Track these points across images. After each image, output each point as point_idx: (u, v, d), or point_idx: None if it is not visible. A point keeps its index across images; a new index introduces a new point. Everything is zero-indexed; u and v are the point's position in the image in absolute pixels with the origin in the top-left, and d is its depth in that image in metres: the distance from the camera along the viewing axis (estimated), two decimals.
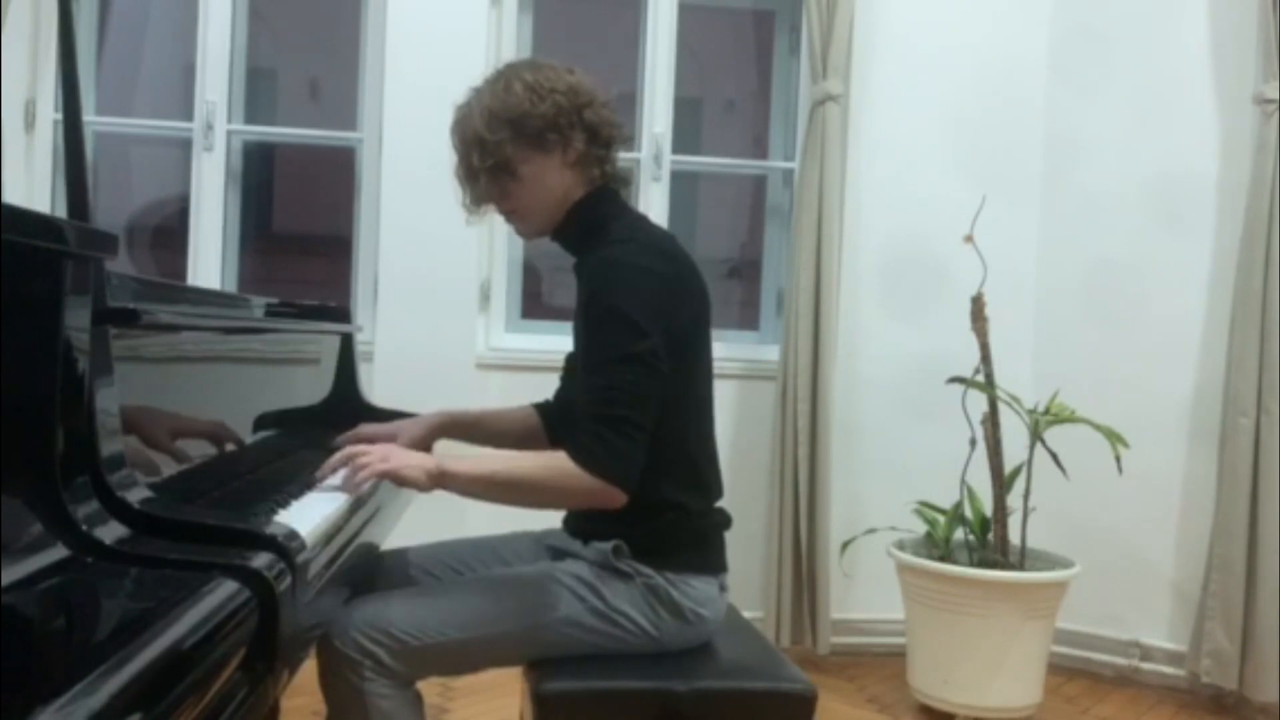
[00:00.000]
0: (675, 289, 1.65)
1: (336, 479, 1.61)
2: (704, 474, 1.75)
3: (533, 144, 1.67)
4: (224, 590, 1.02)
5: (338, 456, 1.63)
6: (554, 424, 1.97)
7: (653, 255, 1.65)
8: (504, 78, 1.70)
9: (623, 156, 1.79)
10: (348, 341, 2.39)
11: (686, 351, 1.66)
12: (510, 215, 1.77)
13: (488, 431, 2.00)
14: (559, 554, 1.79)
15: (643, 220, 1.79)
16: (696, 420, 1.74)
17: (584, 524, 1.75)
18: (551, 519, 1.85)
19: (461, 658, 1.67)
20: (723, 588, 1.76)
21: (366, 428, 1.98)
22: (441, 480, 1.58)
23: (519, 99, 1.65)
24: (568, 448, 1.56)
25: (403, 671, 1.61)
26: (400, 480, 1.59)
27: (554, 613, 1.65)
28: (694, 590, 1.69)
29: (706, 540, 1.74)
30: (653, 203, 3.44)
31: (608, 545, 1.67)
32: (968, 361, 3.00)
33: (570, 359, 1.92)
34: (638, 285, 1.60)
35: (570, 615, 1.65)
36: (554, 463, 1.56)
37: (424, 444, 1.92)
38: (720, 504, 1.79)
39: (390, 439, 1.87)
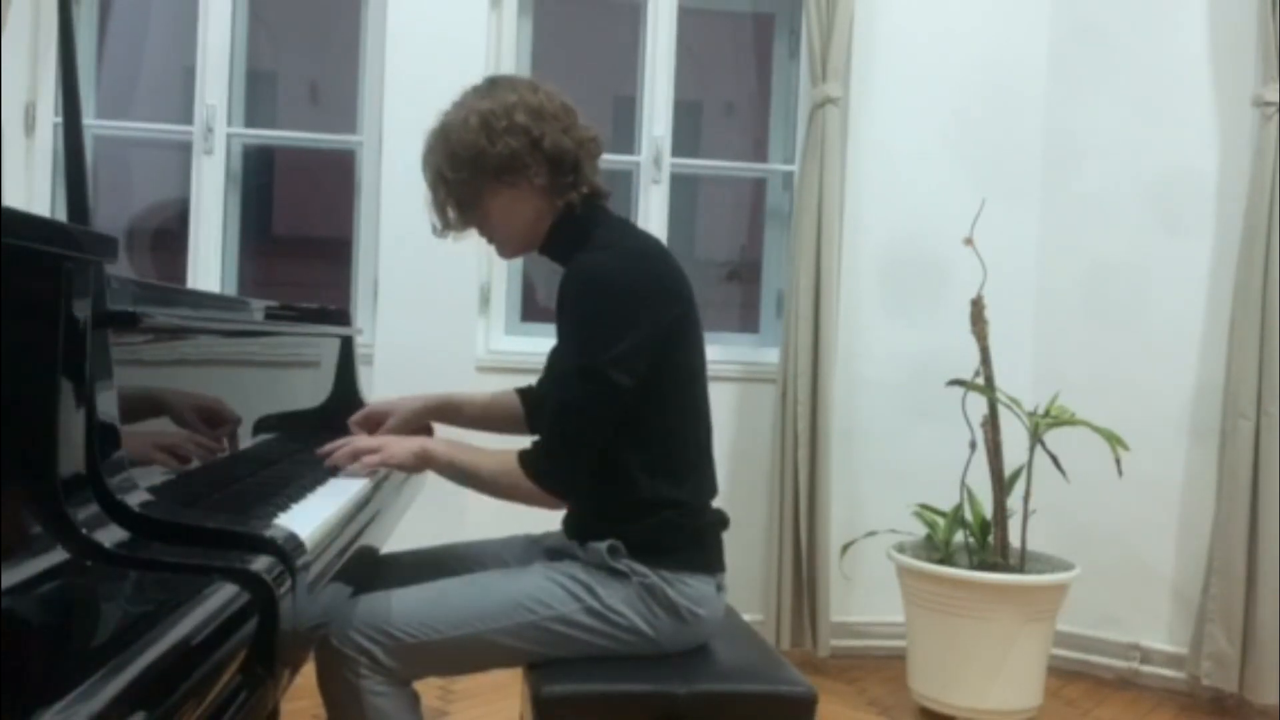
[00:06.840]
0: (653, 292, 1.67)
1: (349, 470, 1.75)
2: (699, 472, 1.76)
3: (494, 179, 1.72)
4: (224, 594, 1.02)
5: (340, 448, 1.75)
6: (532, 411, 2.08)
7: (630, 259, 1.68)
8: (463, 108, 1.73)
9: (623, 160, 1.81)
10: (347, 344, 2.39)
11: (673, 352, 1.68)
12: (488, 239, 1.83)
13: (475, 417, 2.11)
14: (556, 555, 1.80)
15: (626, 226, 1.82)
16: (692, 419, 1.75)
17: (581, 524, 1.76)
18: (551, 520, 1.85)
19: (457, 656, 1.67)
20: (720, 588, 1.76)
21: (371, 406, 2.10)
22: (424, 460, 1.73)
23: (474, 136, 1.69)
24: (520, 454, 1.65)
25: (399, 669, 1.62)
26: (393, 465, 1.76)
27: (548, 610, 1.66)
28: (690, 589, 1.69)
29: (703, 539, 1.75)
30: (652, 206, 3.44)
31: (603, 545, 1.67)
32: (967, 364, 3.00)
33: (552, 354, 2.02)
34: (612, 292, 1.63)
35: (565, 614, 1.66)
36: (509, 465, 1.66)
37: (417, 421, 2.05)
38: (718, 505, 1.80)
39: (387, 413, 2.03)
